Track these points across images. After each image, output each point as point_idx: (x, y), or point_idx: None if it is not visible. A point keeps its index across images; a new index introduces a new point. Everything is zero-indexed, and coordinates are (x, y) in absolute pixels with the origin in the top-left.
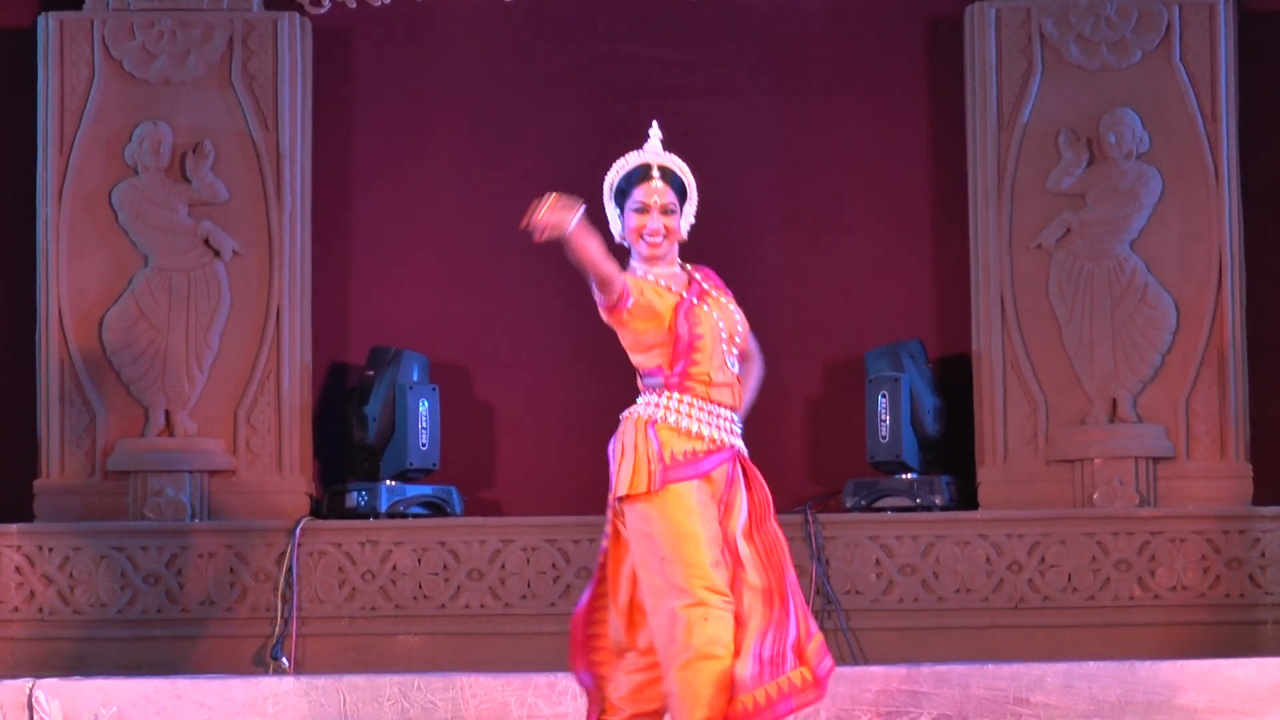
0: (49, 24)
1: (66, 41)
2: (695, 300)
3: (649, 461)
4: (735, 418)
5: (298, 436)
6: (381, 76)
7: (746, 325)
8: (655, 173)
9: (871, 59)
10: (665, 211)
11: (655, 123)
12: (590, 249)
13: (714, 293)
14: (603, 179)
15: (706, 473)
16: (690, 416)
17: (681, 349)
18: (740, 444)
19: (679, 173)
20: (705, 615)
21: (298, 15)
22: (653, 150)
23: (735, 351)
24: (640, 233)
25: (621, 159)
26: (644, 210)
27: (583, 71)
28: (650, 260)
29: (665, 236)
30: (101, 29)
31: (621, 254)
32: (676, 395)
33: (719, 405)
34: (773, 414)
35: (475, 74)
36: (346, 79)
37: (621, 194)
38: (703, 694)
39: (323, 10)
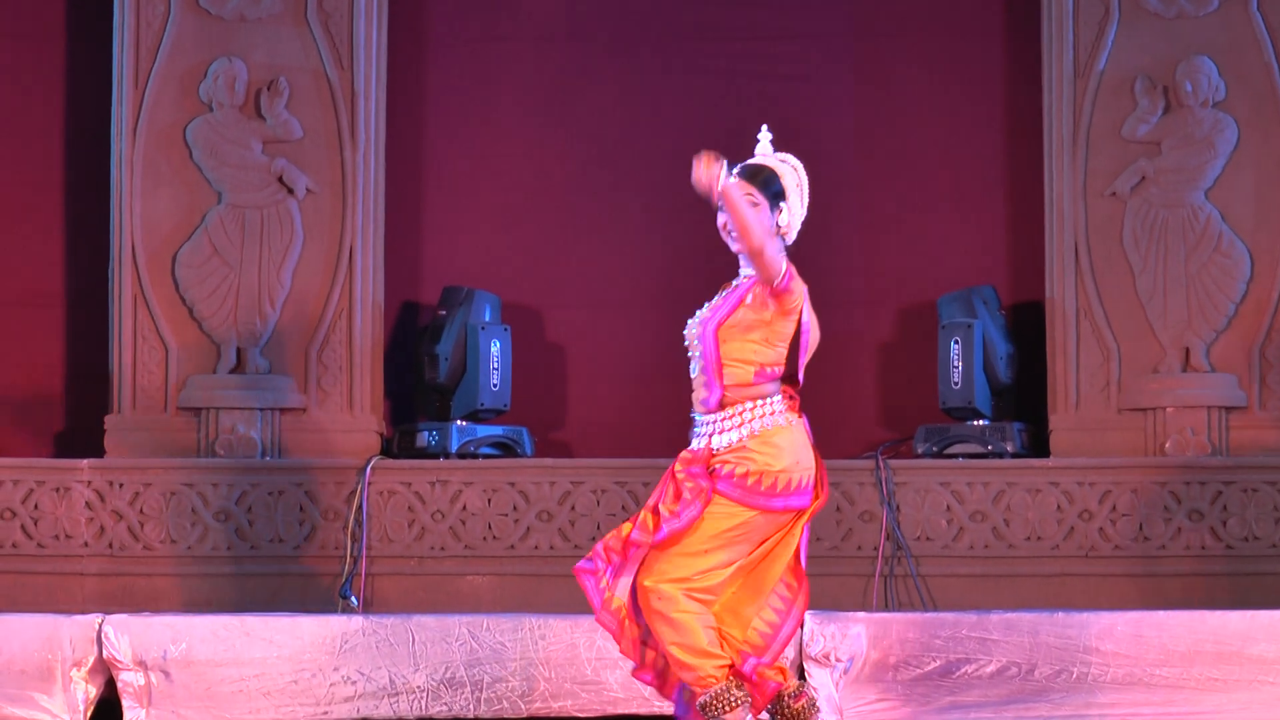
0: None
1: None
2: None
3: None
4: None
5: (369, 375)
6: (456, 16)
7: (701, 329)
8: (734, 170)
9: (947, 3)
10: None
11: (765, 127)
12: (743, 205)
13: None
14: (671, 118)
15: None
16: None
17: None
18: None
19: (772, 165)
20: None
21: None
22: (761, 152)
23: (694, 358)
24: (723, 230)
25: None
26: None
27: (655, 12)
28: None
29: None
30: None
31: None
32: None
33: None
34: (845, 359)
35: (548, 14)
36: (421, 18)
37: None
38: None
39: None
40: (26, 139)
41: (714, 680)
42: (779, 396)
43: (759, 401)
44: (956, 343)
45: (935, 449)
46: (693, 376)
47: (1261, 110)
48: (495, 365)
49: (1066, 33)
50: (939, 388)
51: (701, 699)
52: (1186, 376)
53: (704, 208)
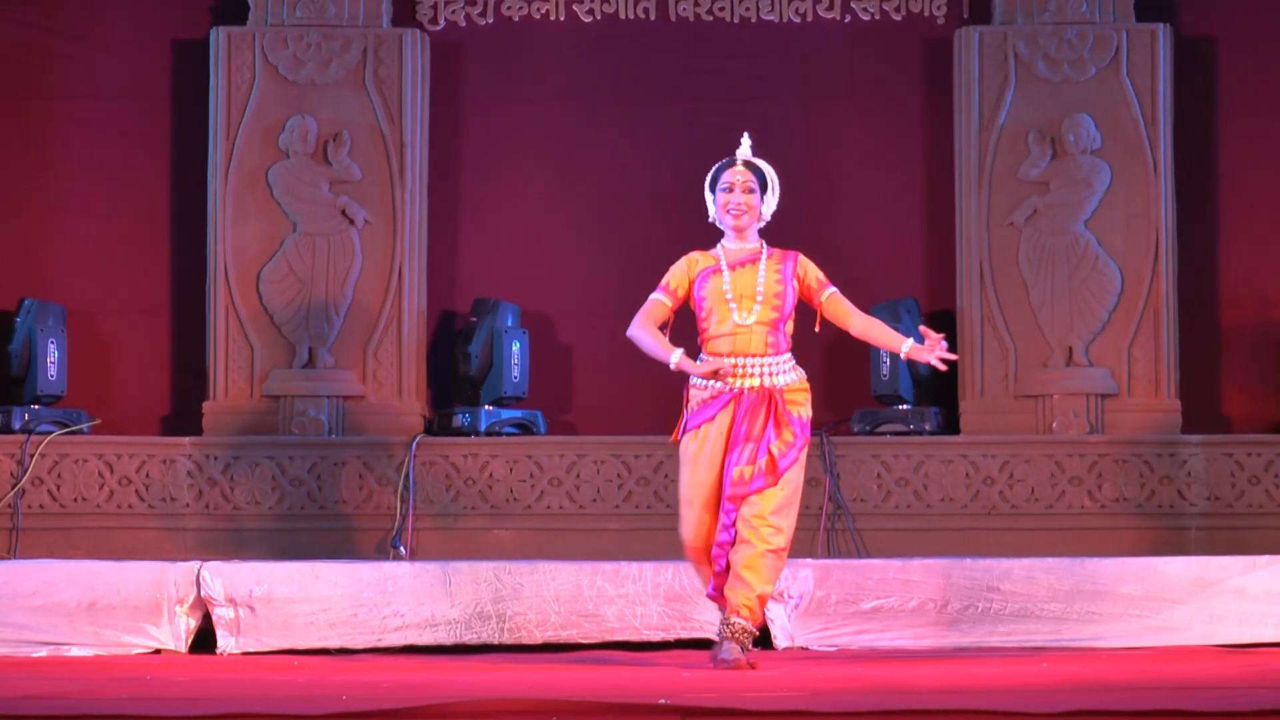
0: (219, 36)
1: (233, 51)
2: (722, 270)
3: (681, 418)
4: (740, 363)
5: (414, 369)
6: (485, 81)
7: (781, 288)
8: (739, 161)
9: (877, 72)
10: (746, 190)
11: (746, 133)
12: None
13: (754, 263)
14: (658, 162)
15: (710, 417)
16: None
17: (700, 312)
18: (750, 383)
19: (761, 166)
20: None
21: (419, 31)
22: (743, 153)
23: (752, 307)
24: (725, 207)
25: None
26: (729, 189)
27: (647, 79)
28: (737, 233)
29: (746, 211)
30: (261, 40)
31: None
32: (702, 355)
33: (720, 356)
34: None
35: (560, 80)
36: (457, 83)
37: (713, 182)
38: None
39: (439, 28)
40: (140, 180)
41: (759, 620)
42: None
43: (791, 351)
44: None
45: (868, 428)
46: (738, 322)
47: (1130, 157)
48: (516, 361)
49: (973, 94)
50: (871, 379)
51: (741, 624)
52: (1070, 370)
53: (685, 233)
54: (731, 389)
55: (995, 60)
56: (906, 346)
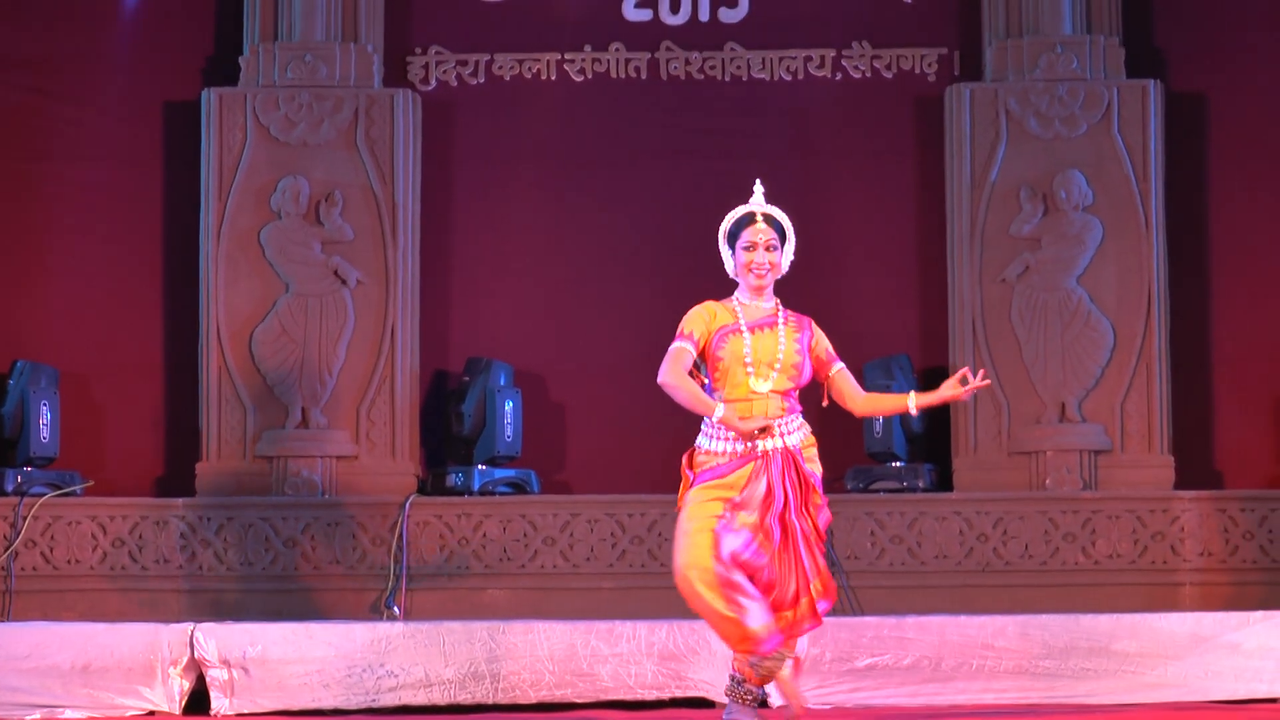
0: (211, 98)
1: (225, 112)
2: (741, 331)
3: (684, 485)
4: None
5: (407, 429)
6: (477, 140)
7: (800, 359)
8: (759, 217)
9: (870, 129)
10: (768, 249)
11: (758, 180)
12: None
13: (773, 328)
14: (650, 220)
15: (722, 475)
16: (713, 437)
17: (711, 369)
18: (774, 445)
19: (779, 218)
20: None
21: (410, 91)
22: (757, 201)
23: (769, 374)
24: (749, 266)
25: (733, 210)
26: (751, 248)
27: (638, 137)
28: (756, 291)
29: (769, 270)
30: (253, 101)
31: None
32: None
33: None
34: None
35: (552, 138)
36: (449, 142)
37: (732, 237)
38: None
39: (430, 88)
40: (133, 241)
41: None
42: None
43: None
44: None
45: (862, 486)
46: (754, 389)
47: (1121, 213)
48: (509, 421)
49: (965, 151)
50: (864, 437)
51: (751, 690)
52: (1063, 426)
53: (678, 292)
54: (753, 451)
55: (986, 117)
56: (912, 401)
